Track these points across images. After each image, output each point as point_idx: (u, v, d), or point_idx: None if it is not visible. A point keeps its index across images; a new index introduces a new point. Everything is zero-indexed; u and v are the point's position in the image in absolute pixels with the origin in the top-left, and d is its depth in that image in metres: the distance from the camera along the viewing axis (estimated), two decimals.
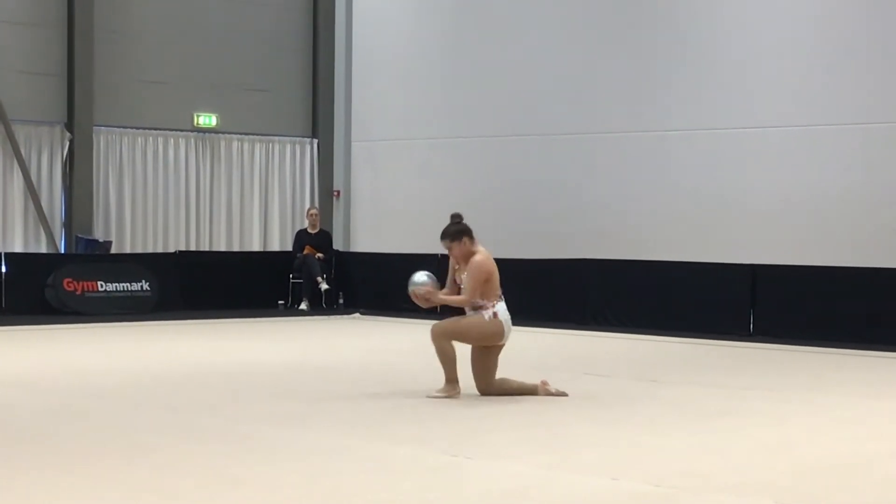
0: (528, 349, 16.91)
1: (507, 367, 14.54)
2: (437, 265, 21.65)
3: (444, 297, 12.04)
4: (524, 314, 20.07)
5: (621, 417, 10.76)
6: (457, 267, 12.00)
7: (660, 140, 20.60)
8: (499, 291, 11.93)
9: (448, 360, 11.84)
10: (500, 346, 12.05)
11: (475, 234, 11.97)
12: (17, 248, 21.29)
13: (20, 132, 21.43)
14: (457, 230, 11.93)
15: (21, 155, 21.35)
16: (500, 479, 8.15)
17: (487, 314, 11.80)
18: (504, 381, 12.04)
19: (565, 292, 20.15)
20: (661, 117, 20.57)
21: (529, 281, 20.55)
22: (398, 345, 17.28)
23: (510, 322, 11.94)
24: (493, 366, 12.01)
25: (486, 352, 11.95)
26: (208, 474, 8.18)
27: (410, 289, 12.24)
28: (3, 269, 20.08)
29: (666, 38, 20.56)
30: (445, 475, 8.26)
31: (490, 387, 11.94)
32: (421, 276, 12.24)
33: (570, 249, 20.69)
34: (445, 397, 11.75)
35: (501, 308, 11.86)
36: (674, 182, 20.40)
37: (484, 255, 11.86)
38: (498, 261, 20.53)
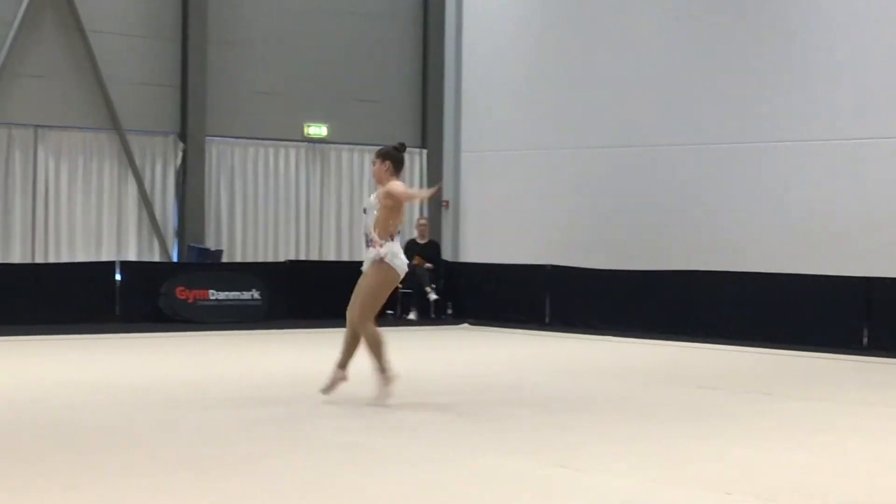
0: (636, 361, 16.81)
1: (621, 378, 14.49)
2: (546, 276, 21.67)
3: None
4: (631, 325, 20.03)
5: (732, 431, 10.64)
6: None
7: (771, 151, 20.35)
8: (393, 231, 11.79)
9: (376, 346, 11.85)
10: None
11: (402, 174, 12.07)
12: (132, 256, 21.57)
13: (135, 142, 21.72)
14: (384, 150, 12.00)
15: (136, 165, 21.64)
16: (611, 492, 8.08)
17: (375, 256, 11.74)
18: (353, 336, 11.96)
19: (673, 304, 20.00)
20: (771, 128, 20.32)
21: (636, 292, 20.46)
22: (507, 355, 17.25)
23: (401, 257, 11.83)
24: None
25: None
26: (317, 484, 8.20)
27: None
28: (118, 278, 20.37)
29: (776, 49, 20.32)
30: (556, 488, 8.21)
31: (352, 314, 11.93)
32: None
33: (679, 261, 20.53)
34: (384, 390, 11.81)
35: (388, 249, 11.73)
36: (787, 194, 20.13)
37: (398, 185, 11.83)
38: (605, 272, 20.61)
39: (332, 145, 23.71)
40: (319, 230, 23.58)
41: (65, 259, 21.02)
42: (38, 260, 20.86)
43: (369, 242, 11.90)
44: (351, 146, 23.89)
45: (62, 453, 9.21)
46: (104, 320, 19.80)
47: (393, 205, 11.81)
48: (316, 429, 10.46)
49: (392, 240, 11.80)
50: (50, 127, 21.07)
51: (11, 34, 20.49)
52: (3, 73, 20.45)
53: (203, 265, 21.58)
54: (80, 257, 21.11)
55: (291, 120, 23.23)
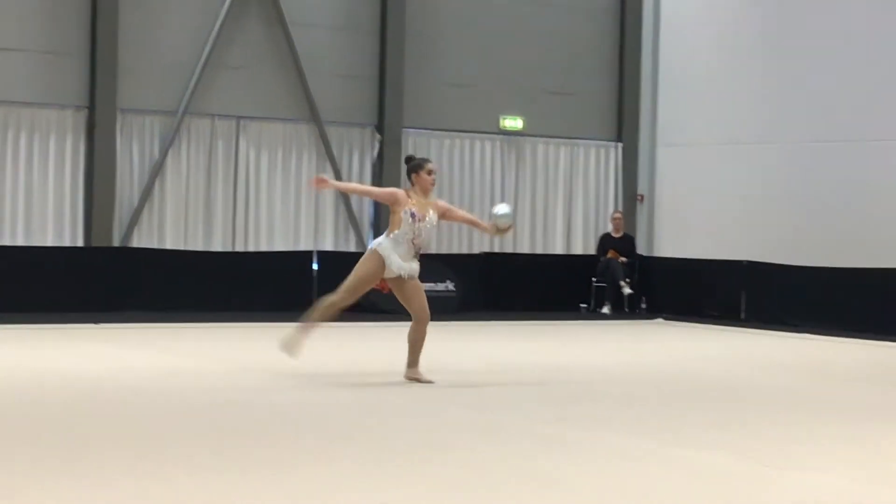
0: (836, 359, 16.49)
1: (821, 376, 14.20)
2: (742, 272, 21.36)
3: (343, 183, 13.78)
4: (829, 323, 19.59)
5: None
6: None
7: None
8: (392, 228, 12.37)
9: (321, 316, 12.58)
10: (408, 282, 12.38)
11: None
12: (328, 246, 21.87)
13: (333, 134, 22.01)
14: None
15: (333, 156, 21.92)
16: (809, 491, 7.94)
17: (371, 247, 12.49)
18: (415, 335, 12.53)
19: (873, 302, 19.53)
20: None
21: (835, 290, 20.03)
22: (701, 351, 17.09)
23: (389, 254, 12.24)
24: (410, 298, 12.44)
25: (398, 288, 12.47)
26: (514, 473, 8.20)
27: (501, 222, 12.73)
28: (315, 267, 20.66)
29: None
30: (754, 485, 8.09)
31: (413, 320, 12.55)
32: (505, 209, 12.90)
33: (881, 258, 20.02)
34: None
35: (380, 240, 12.43)
36: None
37: (402, 193, 12.55)
38: (803, 268, 20.17)
39: (528, 138, 23.72)
40: (514, 222, 23.56)
41: (264, 248, 21.43)
42: (239, 248, 21.30)
43: (417, 255, 12.46)
44: (546, 139, 23.88)
45: (268, 436, 9.39)
46: (301, 309, 20.03)
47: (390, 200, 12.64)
48: (508, 418, 10.48)
49: (386, 236, 12.43)
50: (251, 118, 21.49)
51: (216, 27, 20.94)
52: (207, 64, 20.91)
53: None
54: (279, 246, 21.48)
55: (487, 112, 23.31)
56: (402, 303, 12.57)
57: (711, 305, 21.45)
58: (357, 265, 12.47)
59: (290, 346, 12.57)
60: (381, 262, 12.29)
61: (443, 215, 12.80)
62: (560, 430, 9.91)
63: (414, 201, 12.39)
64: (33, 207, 20.06)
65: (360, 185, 13.11)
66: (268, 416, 10.36)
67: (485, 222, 13.06)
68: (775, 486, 8.05)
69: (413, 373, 12.48)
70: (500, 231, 12.84)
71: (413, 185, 12.52)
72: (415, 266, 12.40)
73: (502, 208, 12.90)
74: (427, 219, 12.40)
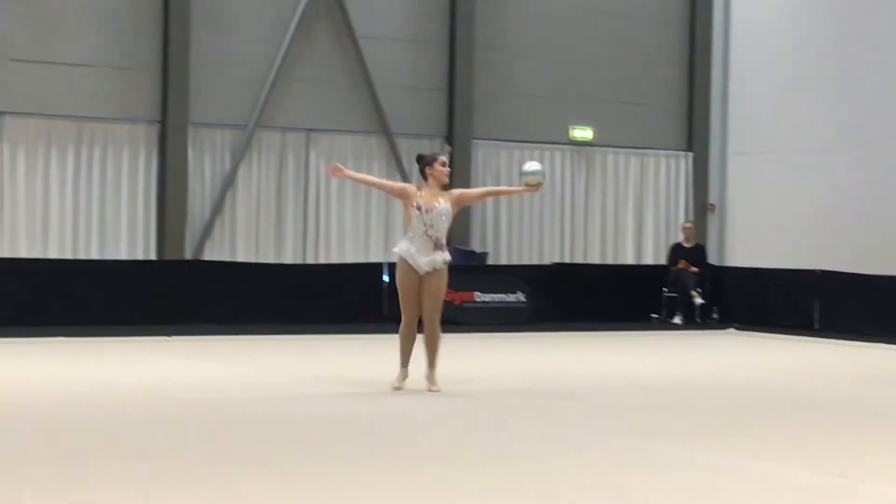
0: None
1: (892, 386, 14.04)
2: (815, 281, 21.18)
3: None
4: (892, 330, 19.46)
5: None
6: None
7: None
8: (406, 226, 12.64)
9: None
10: (432, 278, 12.37)
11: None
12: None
13: (402, 145, 22.05)
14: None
15: (404, 168, 21.96)
16: (886, 502, 7.85)
17: (443, 260, 12.46)
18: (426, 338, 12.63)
19: None
20: None
21: None
22: (775, 361, 16.96)
23: (410, 251, 12.33)
24: (426, 301, 12.46)
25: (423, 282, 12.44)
26: (591, 484, 8.17)
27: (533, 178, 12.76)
28: (385, 279, 20.68)
29: None
30: (835, 499, 8.01)
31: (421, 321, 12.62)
32: (534, 167, 12.96)
33: None
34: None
35: (399, 244, 12.61)
36: None
37: (412, 187, 12.79)
38: (878, 278, 19.97)
39: (598, 148, 23.67)
40: (584, 233, 23.57)
41: (334, 260, 21.50)
42: (309, 260, 21.39)
43: (438, 245, 12.45)
44: (616, 149, 23.82)
45: (315, 447, 9.42)
46: (372, 320, 20.12)
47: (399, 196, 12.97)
48: (581, 431, 10.44)
49: (404, 239, 12.64)
50: (321, 130, 21.59)
51: (286, 41, 21.06)
52: (277, 78, 21.03)
53: (469, 267, 21.76)
54: (349, 259, 21.55)
55: (557, 123, 23.29)
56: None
57: (784, 315, 21.29)
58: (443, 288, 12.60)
59: (401, 383, 12.62)
60: (407, 266, 12.42)
61: (459, 201, 12.83)
62: (637, 442, 9.85)
63: (422, 194, 12.50)
64: (107, 221, 20.27)
65: (373, 178, 13.44)
66: (327, 427, 10.40)
67: (511, 187, 13.16)
68: (857, 500, 7.97)
69: (427, 375, 12.69)
70: (532, 187, 12.85)
71: (426, 180, 12.62)
72: (437, 258, 12.44)
73: (531, 165, 13.04)
74: (436, 209, 12.44)
